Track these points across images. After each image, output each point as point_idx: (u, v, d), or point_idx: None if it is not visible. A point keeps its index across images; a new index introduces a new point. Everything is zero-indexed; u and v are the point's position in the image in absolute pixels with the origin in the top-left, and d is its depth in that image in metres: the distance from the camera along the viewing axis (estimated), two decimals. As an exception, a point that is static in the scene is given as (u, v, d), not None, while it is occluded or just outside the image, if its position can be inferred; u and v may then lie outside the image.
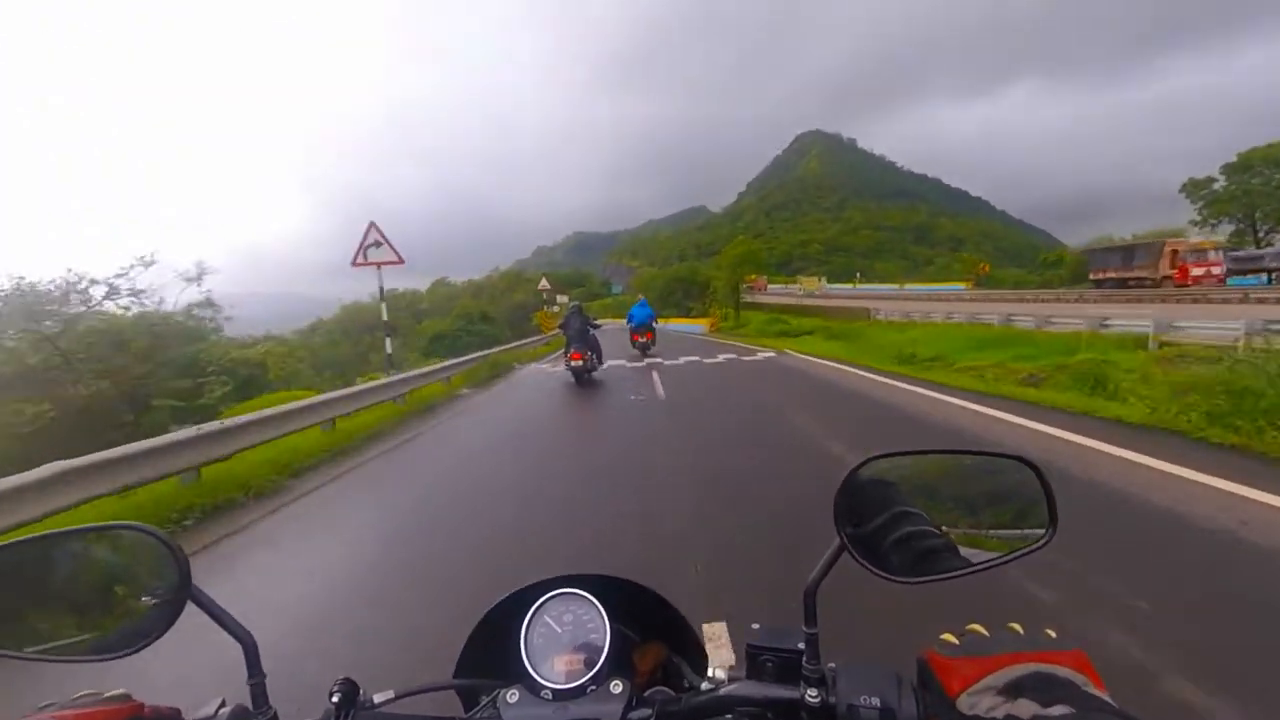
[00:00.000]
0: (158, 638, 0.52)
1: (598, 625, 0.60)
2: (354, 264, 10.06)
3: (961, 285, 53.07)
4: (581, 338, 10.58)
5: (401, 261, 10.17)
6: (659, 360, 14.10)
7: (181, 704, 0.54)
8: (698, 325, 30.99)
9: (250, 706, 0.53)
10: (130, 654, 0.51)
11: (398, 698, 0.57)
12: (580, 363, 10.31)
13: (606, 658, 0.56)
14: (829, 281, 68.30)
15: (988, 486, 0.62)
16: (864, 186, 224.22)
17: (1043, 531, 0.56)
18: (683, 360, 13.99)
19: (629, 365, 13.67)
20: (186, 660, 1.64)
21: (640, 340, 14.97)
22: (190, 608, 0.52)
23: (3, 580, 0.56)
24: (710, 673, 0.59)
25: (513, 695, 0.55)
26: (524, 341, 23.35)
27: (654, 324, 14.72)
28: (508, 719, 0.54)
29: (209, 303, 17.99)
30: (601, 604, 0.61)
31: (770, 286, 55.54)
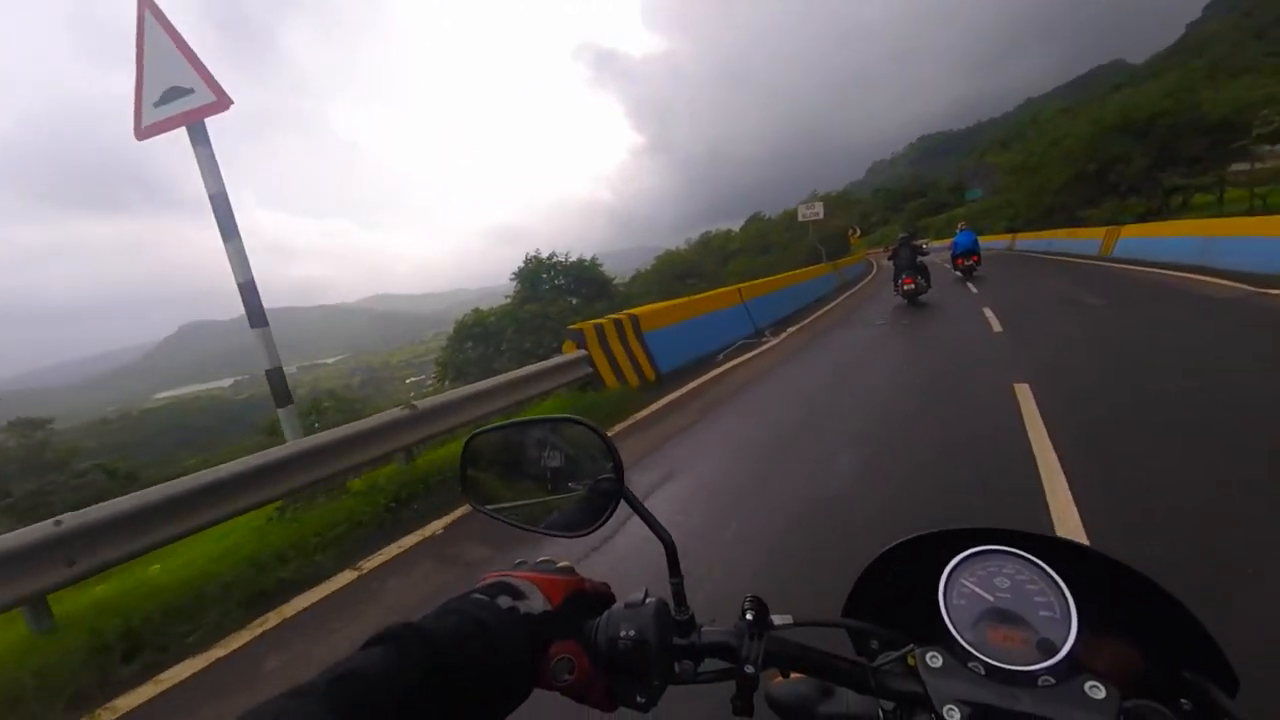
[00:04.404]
0: (599, 527, 0.59)
1: (1050, 600, 0.49)
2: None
3: None
4: (911, 265, 11.89)
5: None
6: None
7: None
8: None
9: (671, 604, 0.54)
10: (577, 536, 0.60)
11: (795, 624, 0.54)
12: (911, 287, 11.66)
13: (1073, 646, 0.45)
14: None
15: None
16: None
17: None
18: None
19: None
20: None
21: (964, 264, 15.79)
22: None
23: (490, 456, 0.70)
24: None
25: (934, 658, 0.49)
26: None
27: (979, 247, 16.15)
28: (936, 687, 0.47)
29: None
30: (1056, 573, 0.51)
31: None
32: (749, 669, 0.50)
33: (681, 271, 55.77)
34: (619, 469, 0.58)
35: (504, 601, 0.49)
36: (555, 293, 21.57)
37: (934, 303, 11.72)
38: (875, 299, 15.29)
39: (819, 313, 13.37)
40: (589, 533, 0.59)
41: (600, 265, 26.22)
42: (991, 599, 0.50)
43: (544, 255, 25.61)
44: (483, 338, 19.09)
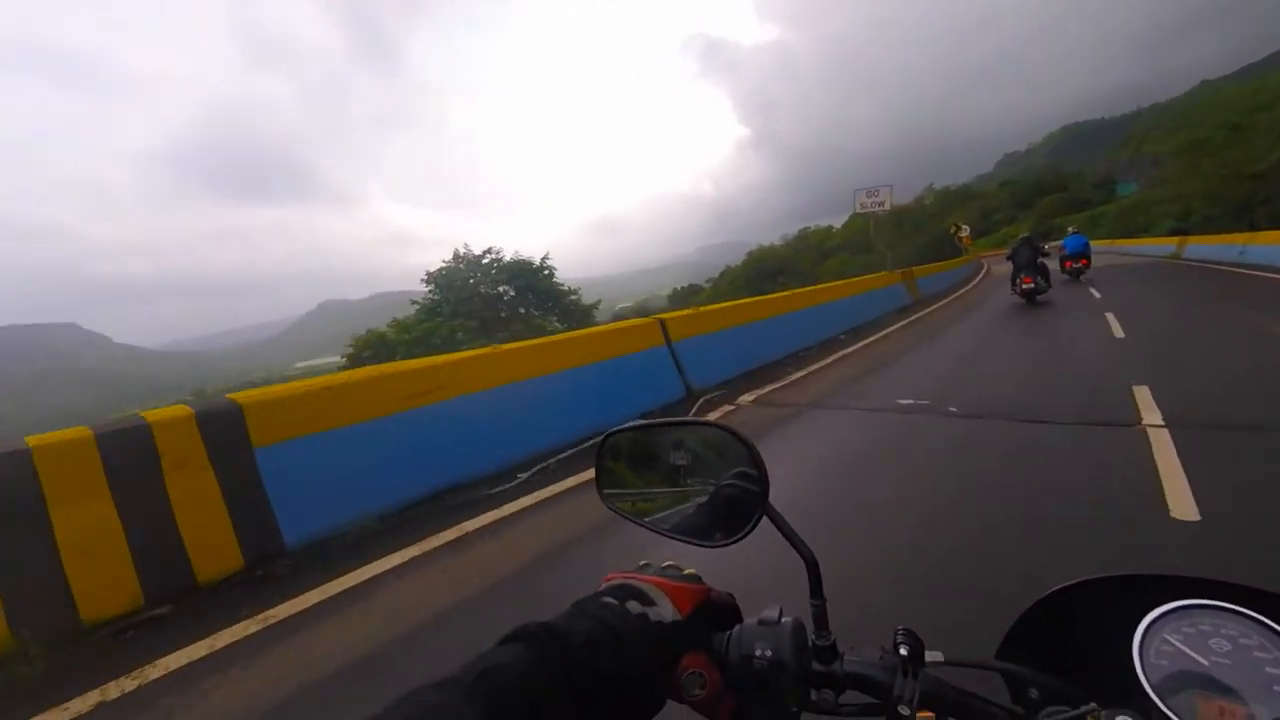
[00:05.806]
0: (739, 540, 0.54)
1: None
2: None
3: None
4: (1030, 265, 11.91)
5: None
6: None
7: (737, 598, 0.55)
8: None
9: (810, 625, 0.51)
10: (713, 547, 0.55)
11: (947, 663, 0.49)
12: (1030, 286, 11.73)
13: None
14: None
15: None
16: None
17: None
18: None
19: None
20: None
21: (1072, 266, 15.76)
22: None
23: (624, 452, 0.68)
24: None
25: None
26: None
27: (1089, 251, 15.93)
28: None
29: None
30: None
31: None
32: (903, 710, 0.44)
33: (773, 269, 51.17)
34: (764, 480, 0.54)
35: (634, 607, 0.48)
36: (480, 302, 16.62)
37: (1032, 360, 6.50)
38: (944, 332, 9.72)
39: (833, 358, 7.89)
40: (728, 544, 0.55)
41: (552, 268, 19.99)
42: (1205, 664, 0.42)
43: (476, 253, 20.40)
44: (377, 361, 15.35)
